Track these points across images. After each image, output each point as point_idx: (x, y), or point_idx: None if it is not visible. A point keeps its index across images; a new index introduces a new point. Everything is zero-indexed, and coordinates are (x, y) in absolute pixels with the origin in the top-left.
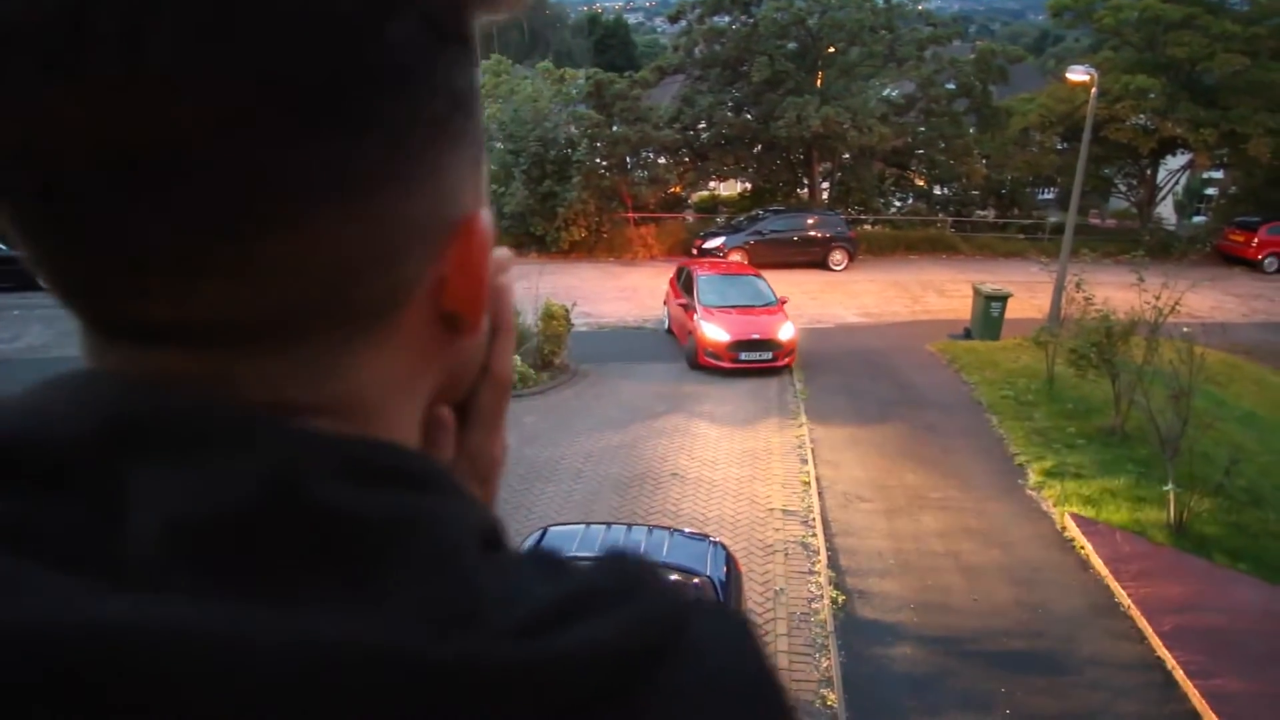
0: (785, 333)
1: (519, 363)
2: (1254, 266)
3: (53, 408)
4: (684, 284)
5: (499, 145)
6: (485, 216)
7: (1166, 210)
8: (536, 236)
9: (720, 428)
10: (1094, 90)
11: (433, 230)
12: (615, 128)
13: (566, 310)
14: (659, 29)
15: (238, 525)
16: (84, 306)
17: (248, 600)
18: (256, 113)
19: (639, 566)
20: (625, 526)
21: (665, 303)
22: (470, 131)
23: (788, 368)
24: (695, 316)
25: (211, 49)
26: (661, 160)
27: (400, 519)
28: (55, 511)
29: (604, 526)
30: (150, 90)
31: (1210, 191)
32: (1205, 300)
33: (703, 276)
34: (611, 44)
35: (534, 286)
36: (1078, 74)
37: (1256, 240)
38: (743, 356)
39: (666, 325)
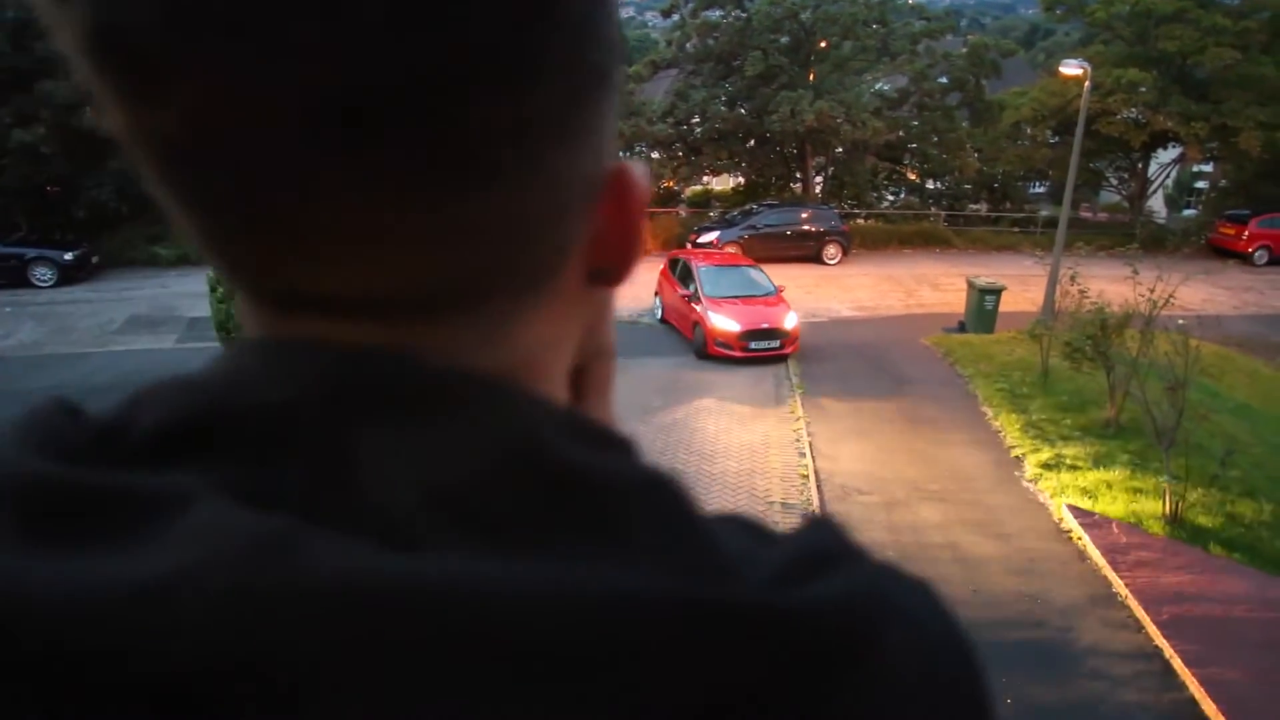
0: (790, 321)
1: None
2: (1245, 259)
3: (254, 376)
4: (681, 275)
5: None
6: (639, 167)
7: (1156, 204)
8: None
9: (718, 422)
10: (1087, 84)
11: (594, 184)
12: None
13: None
14: (650, 23)
15: (495, 486)
16: (260, 281)
17: (522, 557)
18: (463, 68)
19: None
20: None
21: (657, 292)
22: (617, 81)
23: (785, 358)
24: (701, 308)
25: (425, 3)
26: (655, 155)
27: (634, 479)
28: (284, 475)
29: None
30: (361, 48)
31: (1200, 185)
32: (1197, 293)
33: (704, 268)
34: None
35: None
36: (1071, 68)
37: (1247, 233)
38: (752, 345)
39: (659, 315)
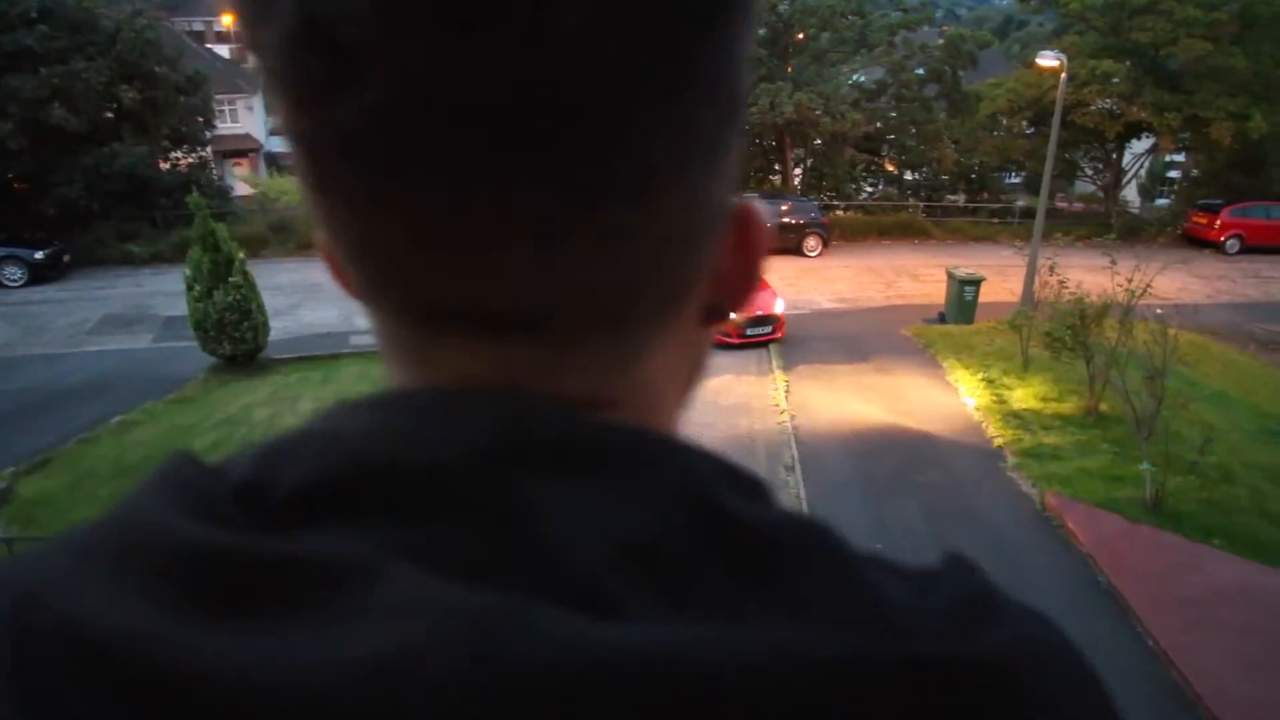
0: (779, 306)
1: None
2: (1217, 248)
3: (406, 431)
4: None
5: None
6: (761, 207)
7: (1129, 193)
8: None
9: (702, 415)
10: (1063, 76)
11: (725, 211)
12: None
13: None
14: None
15: (679, 544)
16: (413, 292)
17: (725, 620)
18: (647, 74)
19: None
20: None
21: None
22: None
23: (768, 344)
24: None
25: (616, 8)
26: None
27: (798, 530)
28: (458, 539)
29: None
30: (565, 46)
31: (1173, 174)
32: (1171, 282)
33: None
34: None
35: None
36: (1048, 59)
37: (1219, 222)
38: (749, 331)
39: None
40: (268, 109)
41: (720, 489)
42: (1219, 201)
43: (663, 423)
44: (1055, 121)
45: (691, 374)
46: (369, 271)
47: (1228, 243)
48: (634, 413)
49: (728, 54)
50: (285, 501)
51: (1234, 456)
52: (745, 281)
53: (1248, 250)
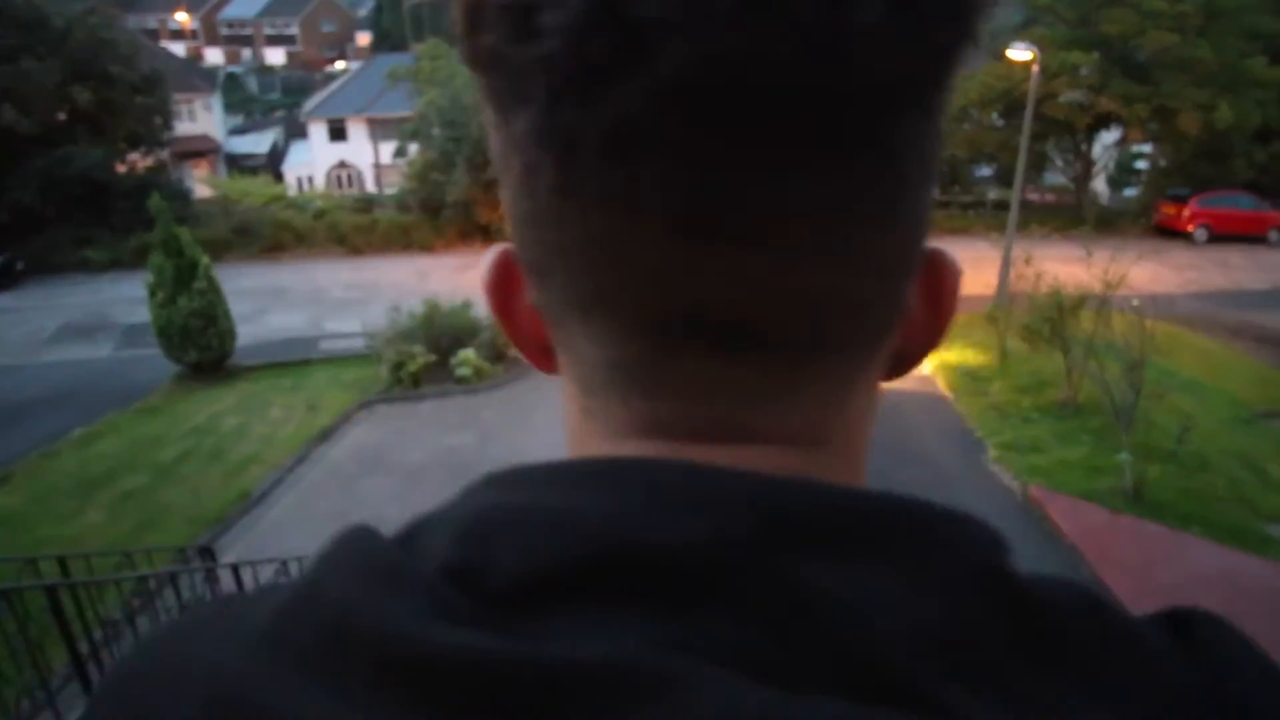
0: None
1: (473, 356)
2: (1186, 238)
3: (650, 505)
4: None
5: (437, 132)
6: (952, 256)
7: (1098, 184)
8: (481, 226)
9: None
10: (1035, 69)
11: (922, 250)
12: None
13: None
14: None
15: (981, 628)
16: (653, 300)
17: (1038, 713)
18: (917, 84)
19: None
20: None
21: None
22: None
23: None
24: None
25: (909, 12)
26: None
27: (1071, 599)
28: (745, 631)
29: None
30: (855, 42)
31: (1140, 165)
32: (1143, 273)
33: None
34: None
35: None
36: (1019, 52)
37: (1187, 212)
38: None
39: None
40: (489, 116)
41: (998, 558)
42: (1187, 191)
43: (857, 472)
44: (1028, 115)
45: (872, 425)
46: (601, 278)
47: (1195, 232)
48: (840, 457)
49: (951, 85)
50: (512, 591)
51: (1210, 444)
52: (933, 332)
53: (1215, 239)
